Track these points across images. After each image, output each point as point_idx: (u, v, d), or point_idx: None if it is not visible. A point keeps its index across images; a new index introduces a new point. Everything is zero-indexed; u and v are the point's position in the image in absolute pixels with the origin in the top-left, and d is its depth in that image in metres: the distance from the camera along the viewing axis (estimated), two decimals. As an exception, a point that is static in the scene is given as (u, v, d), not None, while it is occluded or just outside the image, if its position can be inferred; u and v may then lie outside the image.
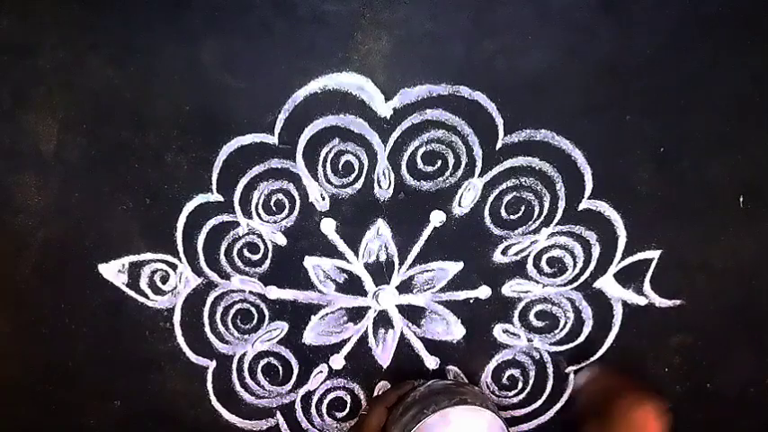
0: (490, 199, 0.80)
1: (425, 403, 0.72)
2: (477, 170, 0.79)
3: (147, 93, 0.77)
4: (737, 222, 0.79)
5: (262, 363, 0.86)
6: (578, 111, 0.76)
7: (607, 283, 0.81)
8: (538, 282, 0.82)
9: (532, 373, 0.85)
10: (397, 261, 0.82)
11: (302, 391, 0.86)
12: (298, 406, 0.87)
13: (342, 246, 0.82)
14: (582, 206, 0.79)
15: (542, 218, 0.80)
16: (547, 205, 0.79)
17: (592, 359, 0.84)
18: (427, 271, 0.82)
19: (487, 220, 0.80)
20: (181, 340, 0.84)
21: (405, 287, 0.83)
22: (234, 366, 0.85)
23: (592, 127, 0.77)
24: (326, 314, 0.84)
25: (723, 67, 0.75)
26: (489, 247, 0.81)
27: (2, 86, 0.78)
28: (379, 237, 0.81)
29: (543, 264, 0.82)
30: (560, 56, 0.75)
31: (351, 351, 0.85)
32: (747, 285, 0.80)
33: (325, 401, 0.87)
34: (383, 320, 0.84)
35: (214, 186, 0.80)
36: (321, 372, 0.86)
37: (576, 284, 0.82)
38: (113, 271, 0.82)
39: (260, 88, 0.77)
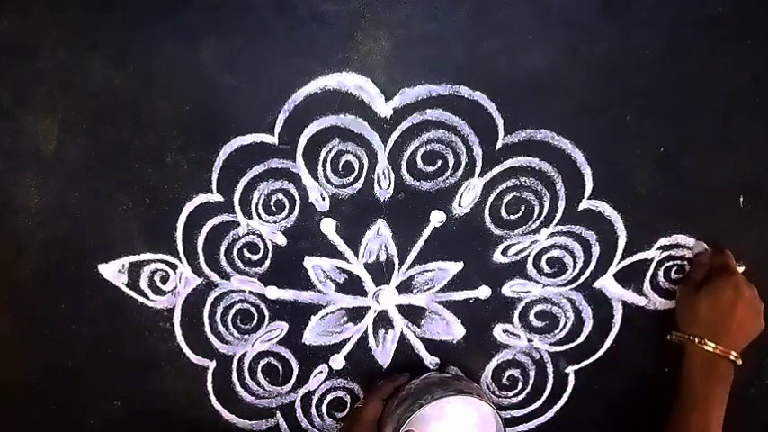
0: (490, 199, 0.80)
1: (420, 394, 0.73)
2: (477, 170, 0.79)
3: (147, 93, 0.77)
4: (737, 222, 0.79)
5: (262, 363, 0.86)
6: (578, 111, 0.76)
7: (607, 283, 0.81)
8: (538, 282, 0.82)
9: (532, 373, 0.85)
10: (397, 261, 0.82)
11: (302, 391, 0.87)
12: (298, 406, 0.87)
13: (342, 246, 0.82)
14: (582, 206, 0.79)
15: (542, 218, 0.80)
16: (547, 205, 0.79)
17: (592, 359, 0.84)
18: (427, 271, 0.82)
19: (487, 220, 0.80)
20: (181, 340, 0.84)
21: (405, 287, 0.83)
22: (234, 366, 0.86)
23: (592, 127, 0.77)
24: (326, 314, 0.84)
25: (723, 67, 0.75)
26: (489, 247, 0.81)
27: (2, 86, 0.78)
28: (379, 237, 0.81)
29: (543, 264, 0.82)
30: (560, 56, 0.75)
31: (351, 351, 0.85)
32: (747, 285, 0.80)
33: (325, 401, 0.87)
34: (383, 320, 0.84)
35: (214, 186, 0.80)
36: (321, 372, 0.86)
37: (576, 284, 0.82)
38: (113, 271, 0.82)
39: (260, 88, 0.77)
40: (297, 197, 0.80)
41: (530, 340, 0.84)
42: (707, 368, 0.72)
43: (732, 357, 0.71)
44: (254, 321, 0.84)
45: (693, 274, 0.78)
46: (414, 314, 0.84)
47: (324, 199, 0.80)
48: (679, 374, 0.74)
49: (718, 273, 0.75)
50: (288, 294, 0.83)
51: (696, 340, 0.72)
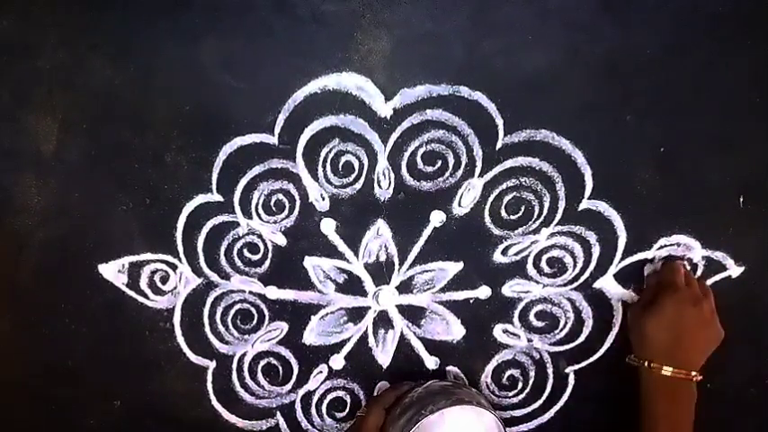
0: (490, 199, 0.80)
1: (423, 403, 0.73)
2: (477, 170, 0.79)
3: (147, 93, 0.77)
4: (737, 222, 0.79)
5: (262, 363, 0.86)
6: (578, 111, 0.76)
7: (607, 283, 0.81)
8: (538, 282, 0.82)
9: (532, 373, 0.85)
10: (397, 261, 0.82)
11: (302, 392, 0.87)
12: (298, 406, 0.87)
13: (342, 246, 0.82)
14: (582, 206, 0.79)
15: (542, 218, 0.80)
16: (547, 205, 0.79)
17: (592, 359, 0.84)
18: (427, 271, 0.82)
19: (487, 220, 0.80)
20: (181, 340, 0.84)
21: (405, 287, 0.83)
22: (234, 366, 0.86)
23: (592, 127, 0.77)
24: (326, 314, 0.84)
25: (723, 67, 0.75)
26: (489, 247, 0.81)
27: (2, 86, 0.78)
28: (379, 237, 0.81)
29: (543, 264, 0.82)
30: (560, 56, 0.75)
31: (351, 351, 0.85)
32: (747, 285, 0.80)
33: (325, 401, 0.87)
34: (383, 320, 0.84)
35: (214, 186, 0.80)
36: (321, 372, 0.86)
37: (576, 284, 0.82)
38: (113, 271, 0.82)
39: (260, 88, 0.77)
40: (297, 197, 0.80)
41: (530, 340, 0.84)
42: (667, 391, 0.69)
43: (691, 377, 0.69)
44: (254, 321, 0.84)
45: (642, 295, 0.76)
46: (414, 314, 0.84)
47: (324, 199, 0.80)
48: (638, 398, 0.71)
49: (662, 291, 0.72)
50: (288, 294, 0.83)
51: (651, 365, 0.69)
